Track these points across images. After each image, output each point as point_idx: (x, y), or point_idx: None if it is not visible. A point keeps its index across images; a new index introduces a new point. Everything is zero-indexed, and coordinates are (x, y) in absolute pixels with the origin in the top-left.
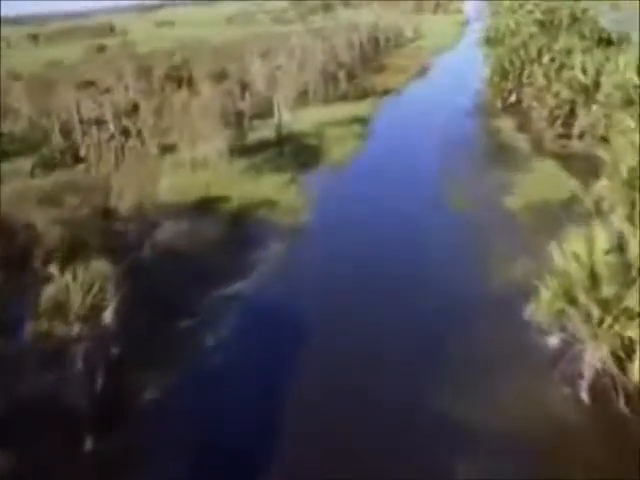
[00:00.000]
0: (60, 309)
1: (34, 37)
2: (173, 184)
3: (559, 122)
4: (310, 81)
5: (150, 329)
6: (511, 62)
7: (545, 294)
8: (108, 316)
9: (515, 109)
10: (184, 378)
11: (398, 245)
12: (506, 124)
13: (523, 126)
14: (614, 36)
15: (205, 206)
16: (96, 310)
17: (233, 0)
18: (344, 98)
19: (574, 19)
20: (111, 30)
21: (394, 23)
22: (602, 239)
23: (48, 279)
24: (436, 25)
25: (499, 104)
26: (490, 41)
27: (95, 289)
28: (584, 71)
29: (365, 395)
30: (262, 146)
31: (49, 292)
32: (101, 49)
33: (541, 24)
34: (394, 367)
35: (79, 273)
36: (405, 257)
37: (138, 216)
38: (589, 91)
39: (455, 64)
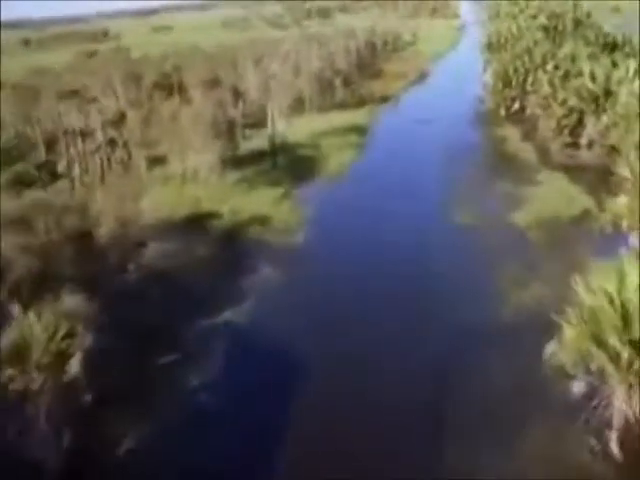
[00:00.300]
0: (20, 356)
1: (26, 42)
2: (161, 199)
3: (566, 131)
4: (305, 88)
5: (127, 372)
6: (515, 69)
7: (568, 332)
8: (75, 363)
9: (519, 117)
10: (163, 426)
11: (401, 267)
12: (511, 133)
13: (528, 135)
14: (618, 40)
15: (195, 224)
16: (62, 357)
17: (230, 4)
18: (341, 105)
19: (578, 24)
20: (105, 35)
21: (391, 28)
22: (634, 274)
23: (8, 319)
24: (433, 29)
25: (502, 112)
26: (492, 47)
27: (62, 330)
28: (593, 78)
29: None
30: (255, 157)
31: (8, 336)
32: (92, 54)
33: (545, 30)
34: (399, 427)
35: (45, 311)
36: (409, 282)
37: (121, 237)
38: (598, 99)
39: (454, 69)
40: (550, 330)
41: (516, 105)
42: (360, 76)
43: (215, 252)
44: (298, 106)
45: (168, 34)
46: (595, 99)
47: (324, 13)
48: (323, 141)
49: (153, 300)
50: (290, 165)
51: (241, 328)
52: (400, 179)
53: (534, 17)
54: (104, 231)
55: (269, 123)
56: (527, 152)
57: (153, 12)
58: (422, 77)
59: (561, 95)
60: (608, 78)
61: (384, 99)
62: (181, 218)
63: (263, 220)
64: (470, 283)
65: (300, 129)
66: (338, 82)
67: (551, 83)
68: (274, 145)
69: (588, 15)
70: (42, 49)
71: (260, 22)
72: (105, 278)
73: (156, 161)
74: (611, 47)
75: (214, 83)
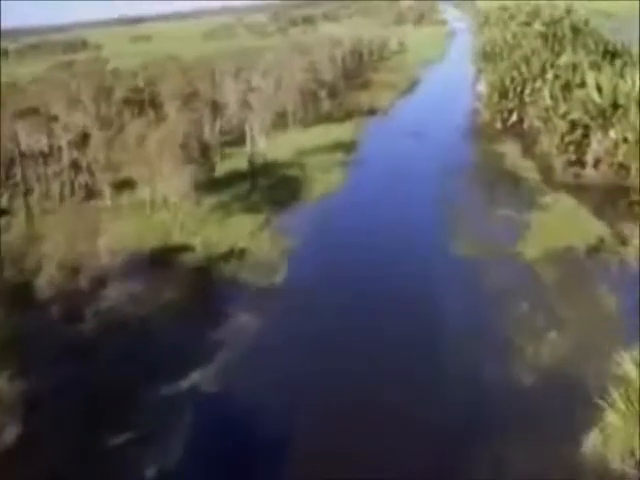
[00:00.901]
0: None
1: (4, 52)
2: (128, 229)
3: (571, 148)
4: (289, 101)
5: (66, 461)
6: (512, 79)
7: (613, 419)
8: None
9: (517, 131)
10: None
11: (396, 316)
12: (509, 149)
13: (529, 151)
14: (618, 48)
15: (163, 259)
16: None
17: (215, 13)
18: (327, 119)
19: (576, 31)
20: (84, 45)
21: (377, 36)
22: None
23: None
24: (421, 37)
25: (499, 125)
26: (486, 56)
27: None
28: (599, 90)
29: None
30: (233, 179)
31: None
32: (68, 66)
33: (543, 37)
34: None
35: None
36: (406, 336)
37: (73, 281)
38: (605, 113)
39: (445, 79)
40: (582, 404)
41: (513, 117)
42: (346, 87)
43: (184, 295)
44: (281, 121)
45: (149, 44)
46: (602, 113)
47: (309, 21)
48: (307, 159)
49: (106, 359)
50: (271, 188)
51: (209, 397)
52: (391, 203)
53: (528, 24)
54: (49, 277)
55: (248, 141)
56: (528, 170)
57: (135, 21)
58: (411, 87)
59: (563, 107)
60: (615, 90)
61: (372, 111)
62: (149, 252)
63: (240, 254)
64: (476, 334)
65: (283, 146)
66: (323, 94)
67: (552, 94)
68: (253, 166)
69: (586, 22)
70: (21, 59)
71: (244, 31)
72: (46, 336)
73: (124, 186)
74: (611, 55)
75: (191, 97)
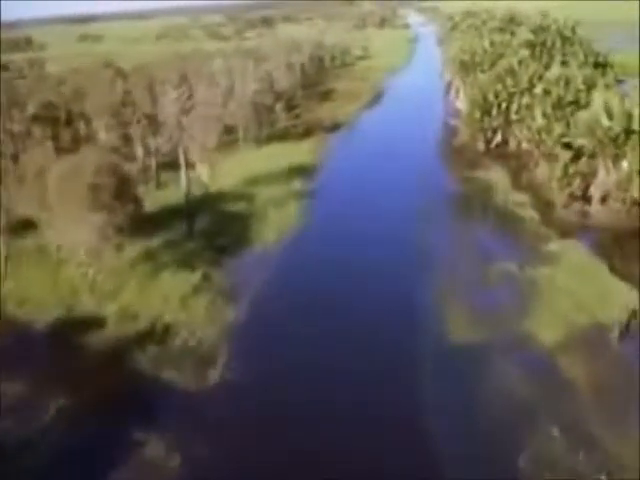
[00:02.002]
0: None
1: None
2: (23, 289)
3: (576, 180)
4: (239, 116)
5: None
6: (496, 93)
7: None
8: None
9: (503, 153)
10: None
11: (364, 441)
12: (496, 176)
13: (519, 180)
14: (608, 59)
15: (65, 337)
16: None
17: (172, 12)
18: (283, 136)
19: (564, 39)
20: (28, 44)
21: (339, 39)
22: None
23: None
24: (384, 42)
25: (481, 146)
26: (464, 66)
27: None
28: (608, 114)
29: None
30: (167, 218)
31: None
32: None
33: (531, 46)
34: None
35: None
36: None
37: None
38: (617, 140)
39: (413, 88)
40: None
41: (498, 137)
42: (306, 97)
43: (77, 408)
44: (229, 138)
45: (97, 45)
46: (612, 139)
47: (268, 23)
48: (259, 189)
49: None
50: (212, 231)
51: None
52: (360, 250)
53: (503, 30)
54: None
55: (183, 171)
56: (524, 207)
57: (88, 19)
58: (377, 97)
59: (557, 129)
60: (629, 114)
61: (335, 126)
62: (47, 325)
63: (164, 334)
64: None
65: (230, 172)
66: (279, 107)
67: (544, 113)
68: (190, 202)
69: (573, 29)
70: None
71: (199, 32)
72: None
73: (25, 229)
74: (602, 67)
75: (122, 112)
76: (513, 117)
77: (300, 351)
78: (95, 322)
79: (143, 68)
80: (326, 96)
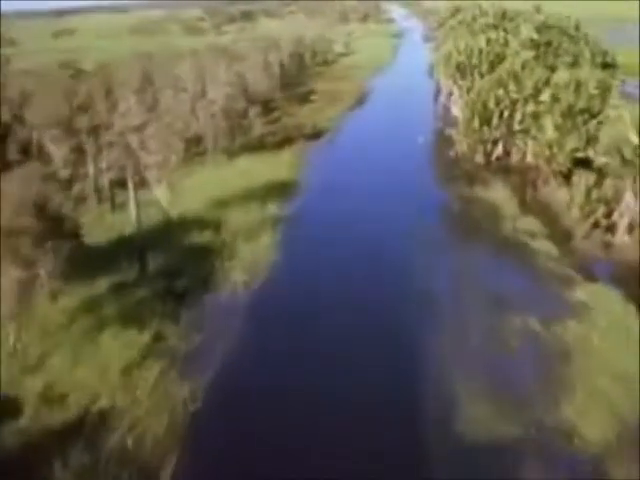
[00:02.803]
0: None
1: None
2: None
3: (600, 208)
4: (208, 124)
5: None
6: (497, 100)
7: None
8: None
9: (504, 167)
10: None
11: None
12: (500, 195)
13: (527, 200)
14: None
15: None
16: None
17: (152, 5)
18: (258, 147)
19: (569, 38)
20: None
21: (321, 35)
22: None
23: None
24: (368, 37)
25: (480, 158)
26: (461, 68)
27: None
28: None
29: None
30: (117, 254)
31: None
32: None
33: (535, 46)
34: None
35: None
36: None
37: None
38: None
39: (400, 89)
40: None
41: (499, 149)
42: (285, 100)
43: None
44: (196, 151)
45: (70, 40)
46: None
47: (248, 17)
48: (228, 215)
49: None
50: (170, 269)
51: None
52: (345, 301)
53: (496, 27)
54: None
55: (131, 194)
56: (537, 236)
57: (65, 12)
58: (362, 99)
59: (571, 142)
60: None
61: (316, 133)
62: None
63: (97, 426)
64: None
65: (195, 192)
66: (254, 113)
67: (556, 125)
68: (144, 232)
69: (577, 27)
70: None
71: (176, 26)
72: None
73: None
74: (612, 67)
75: (75, 119)
76: (516, 127)
77: (280, 463)
78: (9, 404)
79: (107, 67)
80: (307, 98)
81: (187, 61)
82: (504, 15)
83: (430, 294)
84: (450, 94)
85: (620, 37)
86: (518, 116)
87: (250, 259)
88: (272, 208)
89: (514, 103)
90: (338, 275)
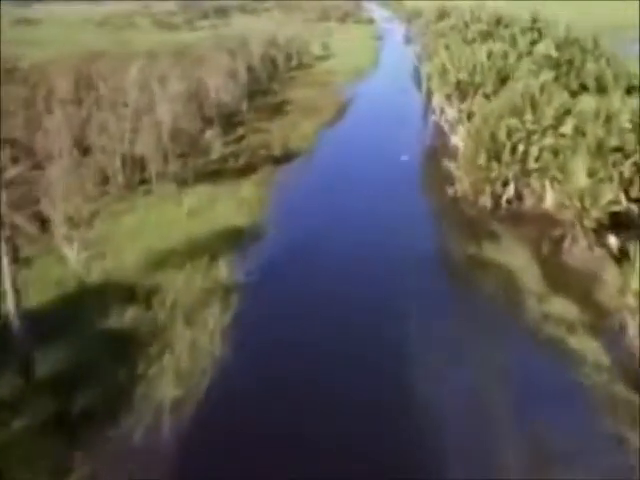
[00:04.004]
0: None
1: None
2: None
3: None
4: (154, 145)
5: None
6: (508, 130)
7: None
8: None
9: (517, 214)
10: None
11: None
12: (517, 259)
13: (552, 267)
14: None
15: None
16: None
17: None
18: (216, 174)
19: (585, 53)
20: None
21: (297, 34)
22: None
23: None
24: (348, 38)
25: (487, 201)
26: (461, 87)
27: None
28: None
29: None
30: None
31: None
32: None
33: (554, 64)
34: None
35: None
36: None
37: None
38: None
39: (384, 101)
40: None
41: (509, 191)
42: (253, 111)
43: None
44: (137, 180)
45: (28, 30)
46: None
47: (222, 13)
48: (165, 277)
49: None
50: (64, 379)
51: None
52: (314, 428)
53: (490, 34)
54: None
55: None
56: (574, 330)
57: (37, 1)
58: (341, 111)
59: (608, 192)
60: None
61: (288, 155)
62: None
63: None
64: None
65: (125, 241)
66: (214, 130)
67: (591, 170)
68: (31, 319)
69: (596, 42)
70: None
71: (145, 21)
72: None
73: None
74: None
75: None
76: (532, 165)
77: None
78: None
79: (44, 68)
80: (278, 110)
81: (139, 65)
82: (499, 21)
83: (433, 442)
84: (443, 112)
85: (622, 46)
86: (534, 151)
87: (188, 357)
88: (225, 269)
89: (530, 135)
90: (303, 379)
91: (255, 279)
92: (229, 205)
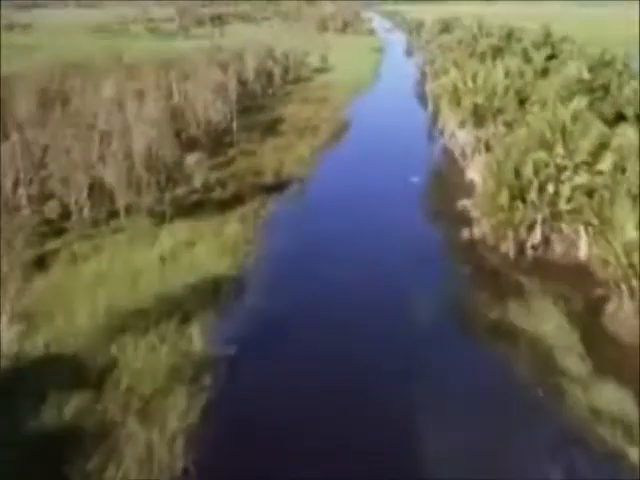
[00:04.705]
0: None
1: None
2: None
3: None
4: (122, 174)
5: None
6: (535, 166)
7: None
8: None
9: (546, 264)
10: None
11: None
12: (552, 327)
13: (593, 338)
14: None
15: None
16: None
17: (121, 4)
18: (197, 207)
19: (620, 76)
20: None
21: (295, 45)
22: None
23: None
24: (348, 50)
25: (510, 248)
26: (478, 113)
27: None
28: None
29: None
30: None
31: None
32: None
33: (588, 88)
34: None
35: None
36: None
37: None
38: None
39: (386, 120)
40: None
41: (536, 237)
42: (244, 131)
43: None
44: (105, 214)
45: (18, 35)
46: None
47: (220, 21)
48: (124, 350)
49: None
50: None
51: None
52: None
53: (501, 50)
54: None
55: None
56: (631, 433)
57: (40, 5)
58: (340, 131)
59: None
60: None
61: (280, 184)
62: None
63: None
64: None
65: (79, 298)
66: (195, 158)
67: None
68: None
69: (626, 65)
70: None
71: (140, 28)
72: None
73: None
74: None
75: None
76: (563, 206)
77: None
78: None
79: (13, 81)
80: (272, 128)
81: (117, 79)
82: (510, 35)
83: None
84: (453, 135)
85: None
86: (566, 191)
87: (137, 473)
88: (198, 338)
89: (560, 171)
90: None
91: (234, 353)
92: (210, 247)
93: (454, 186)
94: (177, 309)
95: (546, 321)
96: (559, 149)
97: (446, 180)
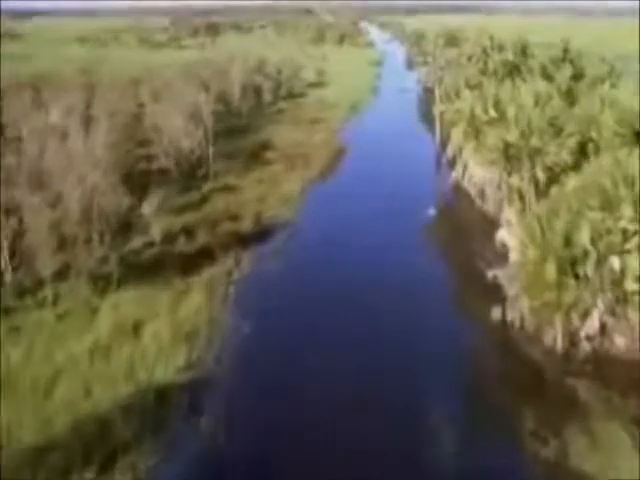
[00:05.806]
0: None
1: None
2: None
3: None
4: (47, 232)
5: None
6: (593, 232)
7: None
8: None
9: (605, 362)
10: None
11: None
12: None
13: None
14: None
15: None
16: None
17: (117, 15)
18: (154, 266)
19: None
20: None
21: (289, 57)
22: None
23: None
24: (344, 63)
25: (556, 339)
26: (511, 154)
27: None
28: None
29: None
30: None
31: None
32: None
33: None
34: None
35: None
36: None
37: None
38: None
39: (386, 145)
40: None
41: (593, 325)
42: (221, 160)
43: None
44: (20, 288)
45: (6, 45)
46: None
47: (213, 30)
48: None
49: None
50: None
51: None
52: None
53: (517, 68)
54: None
55: None
56: None
57: (40, 13)
58: (335, 159)
59: None
60: None
61: (260, 233)
62: None
63: None
64: None
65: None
66: (154, 200)
67: None
68: None
69: None
70: None
71: (131, 37)
72: None
73: None
74: None
75: None
76: (631, 286)
77: None
78: None
79: None
80: (257, 156)
81: (70, 100)
82: (525, 49)
83: None
84: (467, 168)
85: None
86: (635, 265)
87: None
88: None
89: (627, 239)
90: None
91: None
92: (161, 332)
93: (473, 238)
94: (96, 447)
95: (620, 462)
96: (626, 210)
97: (466, 234)
